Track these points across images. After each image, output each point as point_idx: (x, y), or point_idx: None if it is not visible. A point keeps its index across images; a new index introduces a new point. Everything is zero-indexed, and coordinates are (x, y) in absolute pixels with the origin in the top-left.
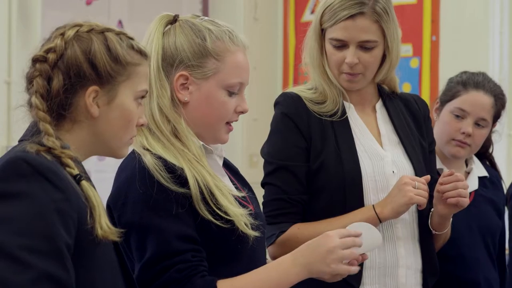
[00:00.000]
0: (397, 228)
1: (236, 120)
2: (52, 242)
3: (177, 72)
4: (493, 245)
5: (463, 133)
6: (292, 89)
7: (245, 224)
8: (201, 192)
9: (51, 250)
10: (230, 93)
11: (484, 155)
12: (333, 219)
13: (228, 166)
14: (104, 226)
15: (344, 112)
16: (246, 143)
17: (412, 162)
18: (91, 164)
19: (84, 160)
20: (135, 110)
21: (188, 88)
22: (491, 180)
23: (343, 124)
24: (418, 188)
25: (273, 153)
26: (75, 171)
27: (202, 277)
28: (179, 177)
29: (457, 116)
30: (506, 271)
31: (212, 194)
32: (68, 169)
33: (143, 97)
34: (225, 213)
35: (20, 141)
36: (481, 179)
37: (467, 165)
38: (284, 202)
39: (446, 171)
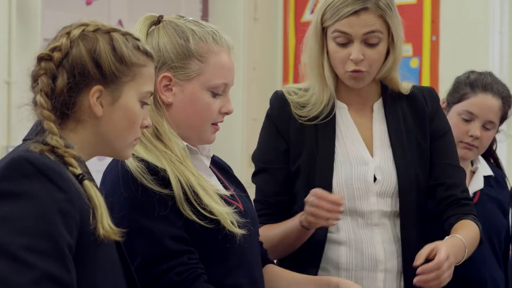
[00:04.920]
0: (376, 233)
1: (221, 121)
2: (54, 243)
3: (160, 74)
4: (499, 244)
5: (471, 136)
6: (285, 87)
7: (231, 223)
8: (184, 193)
9: (53, 251)
10: (214, 94)
11: (488, 152)
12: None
13: (218, 165)
14: (106, 226)
15: (329, 115)
16: (246, 143)
17: (397, 168)
18: (92, 164)
19: (88, 160)
20: (139, 111)
21: (172, 90)
22: (496, 179)
23: (328, 128)
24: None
25: (256, 155)
26: (78, 171)
27: (204, 281)
28: (162, 178)
29: (465, 119)
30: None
31: (196, 194)
32: (71, 168)
33: (146, 103)
34: (210, 212)
35: (24, 140)
36: (486, 178)
37: (472, 164)
38: (260, 203)
39: (421, 257)
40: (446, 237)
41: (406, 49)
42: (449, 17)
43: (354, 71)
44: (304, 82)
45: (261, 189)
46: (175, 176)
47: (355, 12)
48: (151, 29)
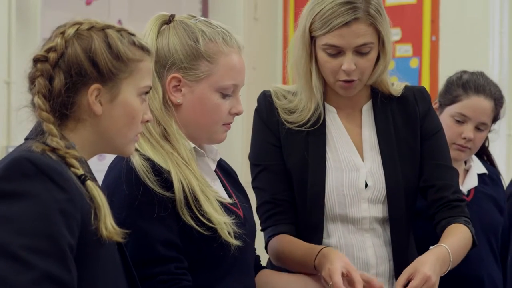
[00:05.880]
0: (367, 237)
1: (231, 122)
2: (54, 243)
3: (170, 74)
4: (496, 242)
5: (464, 138)
6: (273, 88)
7: (228, 233)
8: (185, 197)
9: (54, 251)
10: (224, 95)
11: (481, 150)
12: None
13: (225, 170)
14: (109, 226)
15: (317, 122)
16: (246, 143)
17: (385, 174)
18: (92, 164)
19: (90, 159)
20: (139, 107)
21: (181, 90)
22: (491, 177)
23: (318, 134)
24: None
25: (253, 155)
26: (80, 171)
27: None
28: (165, 180)
29: (458, 121)
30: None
31: (196, 200)
32: (72, 169)
33: (147, 93)
34: (208, 220)
35: (26, 139)
36: (480, 176)
37: (465, 163)
38: (270, 204)
39: (399, 285)
40: (431, 247)
41: (406, 49)
42: (449, 17)
43: (346, 81)
44: (294, 85)
45: (267, 189)
46: (178, 179)
47: (347, 23)
48: (162, 28)
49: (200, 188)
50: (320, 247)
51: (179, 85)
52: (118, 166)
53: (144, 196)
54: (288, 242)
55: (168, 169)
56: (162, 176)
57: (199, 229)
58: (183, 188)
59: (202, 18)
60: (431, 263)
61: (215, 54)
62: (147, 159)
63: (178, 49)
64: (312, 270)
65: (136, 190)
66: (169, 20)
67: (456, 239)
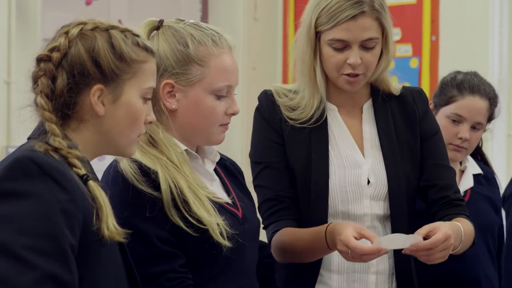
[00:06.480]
0: None
1: (228, 122)
2: (56, 243)
3: (163, 81)
4: (493, 241)
5: (461, 138)
6: (274, 87)
7: (221, 234)
8: (173, 198)
9: (55, 251)
10: (219, 97)
11: (475, 150)
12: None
13: (228, 170)
14: (111, 226)
15: (320, 118)
16: (246, 143)
17: (387, 172)
18: (92, 164)
19: (92, 160)
20: (142, 108)
21: (175, 96)
22: (486, 177)
23: (321, 131)
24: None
25: (255, 153)
26: (82, 171)
27: None
28: (153, 180)
29: (454, 121)
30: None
31: (185, 201)
32: (75, 169)
33: (149, 99)
34: (198, 221)
35: (29, 139)
36: (475, 176)
37: (461, 164)
38: (272, 201)
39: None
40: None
41: (406, 49)
42: (449, 17)
43: (351, 75)
44: (294, 84)
45: (269, 186)
46: (165, 180)
47: (353, 17)
48: (151, 34)
49: (190, 189)
50: (324, 227)
51: (172, 90)
52: (107, 170)
53: (133, 197)
54: (293, 233)
55: (156, 170)
56: (150, 176)
57: (188, 230)
58: (171, 189)
59: (191, 21)
60: (450, 227)
61: (205, 57)
62: (134, 161)
63: (168, 55)
64: (325, 250)
65: (125, 192)
66: (158, 26)
67: (465, 226)
